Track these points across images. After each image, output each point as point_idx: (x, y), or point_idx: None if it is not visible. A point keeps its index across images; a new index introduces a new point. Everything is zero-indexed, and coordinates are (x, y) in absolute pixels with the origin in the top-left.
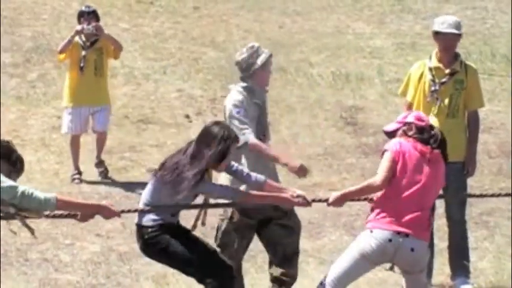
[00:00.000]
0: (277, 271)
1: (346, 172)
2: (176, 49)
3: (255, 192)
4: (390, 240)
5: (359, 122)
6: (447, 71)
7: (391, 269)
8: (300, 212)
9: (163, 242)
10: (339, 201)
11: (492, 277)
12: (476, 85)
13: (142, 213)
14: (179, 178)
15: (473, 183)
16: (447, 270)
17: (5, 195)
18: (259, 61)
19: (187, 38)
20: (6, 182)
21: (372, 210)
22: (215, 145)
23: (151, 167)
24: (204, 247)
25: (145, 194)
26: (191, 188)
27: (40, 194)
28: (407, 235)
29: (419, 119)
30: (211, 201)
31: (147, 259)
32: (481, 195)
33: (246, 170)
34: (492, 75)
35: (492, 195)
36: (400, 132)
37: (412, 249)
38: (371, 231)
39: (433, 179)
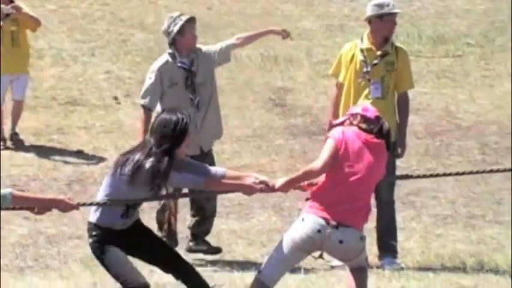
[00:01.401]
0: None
1: (275, 154)
2: (104, 31)
3: (217, 180)
4: (319, 231)
5: (288, 104)
6: (379, 52)
7: (320, 257)
8: (229, 194)
9: (100, 249)
10: (286, 187)
11: (419, 257)
12: (407, 67)
13: (98, 207)
14: (139, 172)
15: (400, 164)
16: (375, 250)
17: None
18: (176, 28)
19: (116, 20)
20: None
21: (307, 199)
22: (169, 132)
23: None
24: (156, 252)
25: (101, 192)
26: (161, 181)
27: None
28: (337, 227)
29: (365, 109)
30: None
31: (76, 241)
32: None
33: (203, 164)
34: (419, 57)
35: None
36: (346, 123)
37: (341, 241)
38: (302, 220)
39: (374, 168)
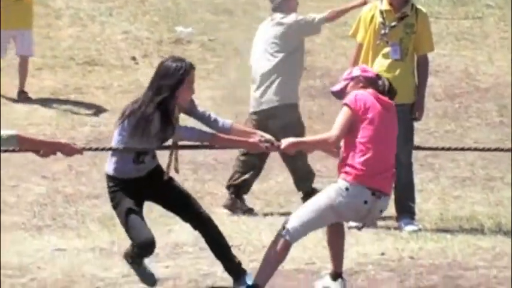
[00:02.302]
0: None
1: None
2: None
3: (223, 135)
4: (366, 202)
5: (306, 65)
6: (397, 14)
7: (362, 227)
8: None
9: (114, 202)
10: (292, 148)
11: (437, 218)
12: (427, 29)
13: (111, 159)
14: (143, 119)
15: (418, 126)
16: (392, 211)
17: None
18: None
19: None
20: None
21: (342, 164)
22: (171, 75)
23: None
24: (173, 200)
25: (112, 143)
26: (159, 128)
27: (1, 133)
28: (380, 197)
29: (364, 70)
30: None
31: (94, 200)
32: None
33: (213, 115)
34: (438, 19)
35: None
36: (349, 87)
37: (381, 211)
38: (347, 189)
39: (393, 129)
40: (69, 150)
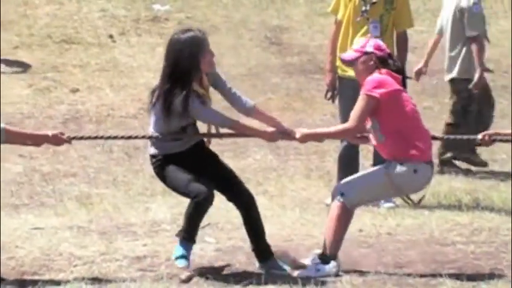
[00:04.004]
0: None
1: (271, 92)
2: None
3: (242, 123)
4: (429, 179)
5: (284, 42)
6: None
7: (420, 202)
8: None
9: (165, 172)
10: (308, 139)
11: (414, 195)
12: (406, 6)
13: (150, 141)
14: (167, 100)
15: None
16: None
17: None
18: None
19: None
20: None
21: (395, 147)
22: (185, 48)
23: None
24: (219, 176)
25: (151, 126)
26: (180, 107)
27: None
28: (432, 167)
29: (377, 48)
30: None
31: (71, 179)
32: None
33: (238, 93)
34: None
35: None
36: (359, 62)
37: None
38: (415, 171)
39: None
40: (57, 140)
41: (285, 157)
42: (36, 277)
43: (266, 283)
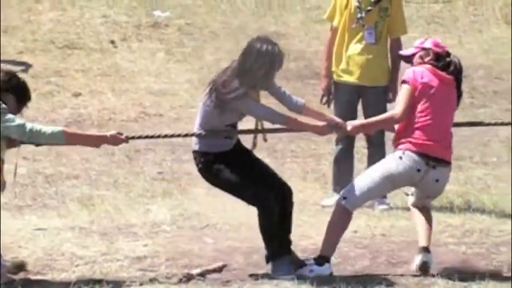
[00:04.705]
0: None
1: (268, 97)
2: None
3: (294, 118)
4: (419, 171)
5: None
6: None
7: (411, 194)
8: None
9: (214, 171)
10: (359, 130)
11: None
12: (400, 13)
13: (197, 138)
14: (225, 96)
15: (390, 107)
16: None
17: (14, 134)
18: None
19: None
20: (15, 121)
21: (398, 137)
22: (262, 60)
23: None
24: (258, 170)
25: (197, 120)
26: (236, 103)
27: (47, 129)
28: (434, 167)
29: (436, 45)
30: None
31: (73, 181)
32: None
33: (287, 92)
34: (409, 2)
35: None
36: (417, 57)
37: (437, 180)
38: (400, 157)
39: (450, 101)
40: (115, 140)
41: (282, 160)
42: (39, 276)
43: (263, 283)
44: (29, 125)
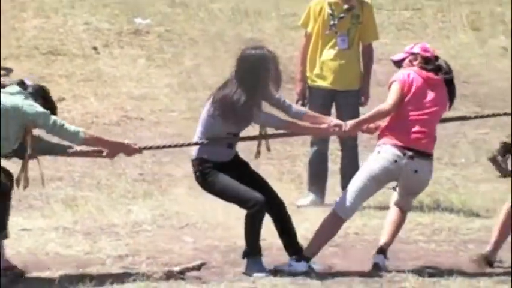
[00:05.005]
0: None
1: None
2: None
3: (297, 122)
4: (395, 161)
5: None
6: (345, 6)
7: (394, 189)
8: None
9: (211, 178)
10: (355, 128)
11: (379, 196)
12: (372, 20)
13: (198, 146)
14: (232, 108)
15: (363, 111)
16: (338, 189)
17: (40, 119)
18: None
19: None
20: (40, 108)
21: (381, 135)
22: (256, 66)
23: None
24: (255, 183)
25: (199, 128)
26: (241, 112)
27: (69, 126)
28: (412, 157)
29: (425, 50)
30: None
31: (57, 183)
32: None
33: (287, 101)
34: (380, 10)
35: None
36: (406, 61)
37: (416, 171)
38: (378, 152)
39: (437, 102)
40: (130, 150)
41: (258, 161)
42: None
43: (240, 279)
44: (53, 117)
